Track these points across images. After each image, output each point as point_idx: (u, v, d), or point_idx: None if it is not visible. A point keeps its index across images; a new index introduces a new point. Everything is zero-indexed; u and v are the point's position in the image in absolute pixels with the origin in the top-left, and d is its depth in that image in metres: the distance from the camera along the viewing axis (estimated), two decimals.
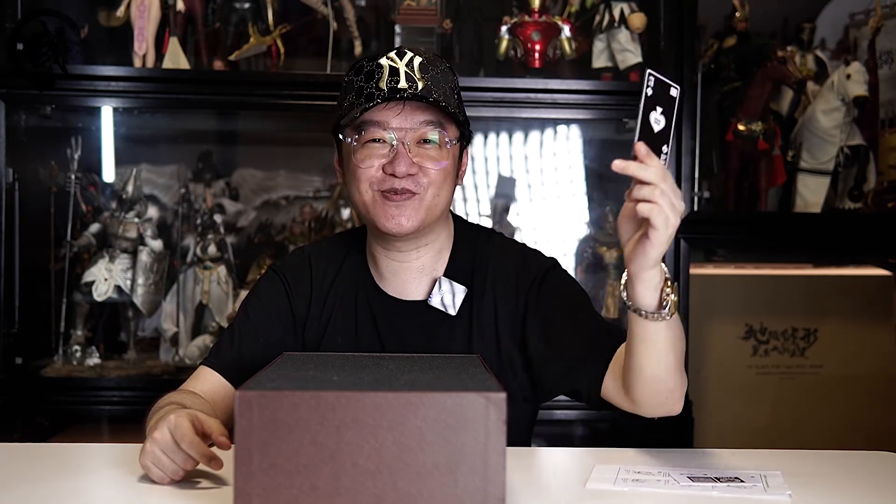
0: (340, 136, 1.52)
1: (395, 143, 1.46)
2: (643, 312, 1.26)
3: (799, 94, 2.74)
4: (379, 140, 1.47)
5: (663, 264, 1.27)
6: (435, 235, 1.57)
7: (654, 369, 1.32)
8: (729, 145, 2.70)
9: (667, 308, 1.26)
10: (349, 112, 1.47)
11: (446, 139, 1.49)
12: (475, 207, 2.80)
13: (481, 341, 1.54)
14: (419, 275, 1.57)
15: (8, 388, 2.40)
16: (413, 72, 1.46)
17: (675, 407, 1.37)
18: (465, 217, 1.69)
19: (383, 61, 1.47)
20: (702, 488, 1.22)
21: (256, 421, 0.97)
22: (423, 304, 1.56)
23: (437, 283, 1.56)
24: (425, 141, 1.48)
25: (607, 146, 2.88)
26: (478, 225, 1.69)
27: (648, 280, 1.24)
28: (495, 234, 1.67)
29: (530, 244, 1.66)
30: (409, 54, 1.48)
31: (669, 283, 1.27)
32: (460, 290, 1.55)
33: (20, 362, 2.43)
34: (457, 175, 1.56)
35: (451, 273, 1.58)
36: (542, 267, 1.58)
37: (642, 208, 1.16)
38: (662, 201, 1.15)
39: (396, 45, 2.53)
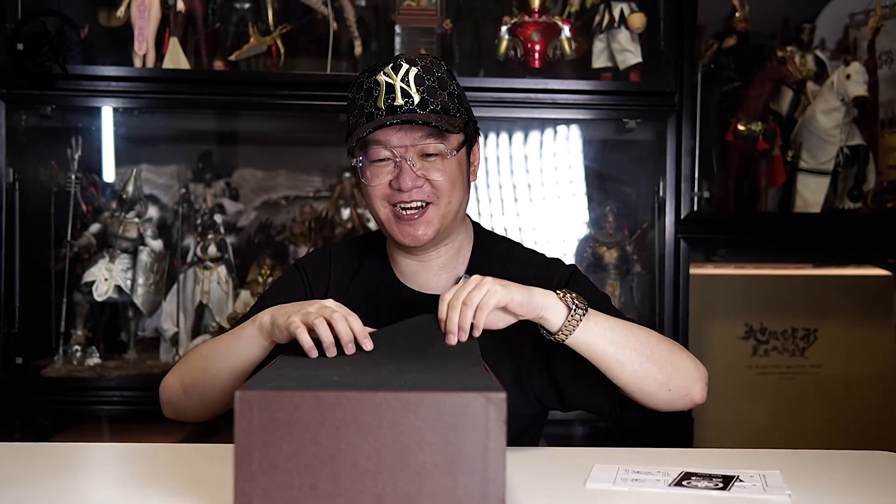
0: (352, 157, 1.55)
1: (398, 160, 1.49)
2: (562, 331, 1.35)
3: (799, 94, 2.74)
4: (384, 158, 1.50)
5: (534, 289, 1.36)
6: (454, 235, 1.60)
7: (624, 374, 1.40)
8: (729, 145, 2.70)
9: (574, 309, 1.35)
10: (354, 132, 1.51)
11: (446, 150, 1.51)
12: (475, 208, 2.80)
13: (502, 340, 1.51)
14: (440, 271, 1.61)
15: (8, 388, 2.40)
16: (409, 86, 1.49)
17: (690, 397, 1.43)
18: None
19: (380, 77, 1.50)
20: (701, 488, 1.22)
21: (256, 421, 0.97)
22: None
23: (462, 280, 1.56)
24: (428, 154, 1.51)
25: (607, 146, 2.88)
26: (497, 234, 1.72)
27: (540, 312, 1.35)
28: (514, 243, 1.70)
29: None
30: (405, 66, 1.50)
31: (559, 293, 1.36)
32: None
33: (20, 362, 2.43)
34: (468, 174, 1.59)
35: (473, 272, 1.57)
36: (564, 274, 1.60)
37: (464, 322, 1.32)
38: (455, 311, 1.32)
39: (397, 46, 2.56)
